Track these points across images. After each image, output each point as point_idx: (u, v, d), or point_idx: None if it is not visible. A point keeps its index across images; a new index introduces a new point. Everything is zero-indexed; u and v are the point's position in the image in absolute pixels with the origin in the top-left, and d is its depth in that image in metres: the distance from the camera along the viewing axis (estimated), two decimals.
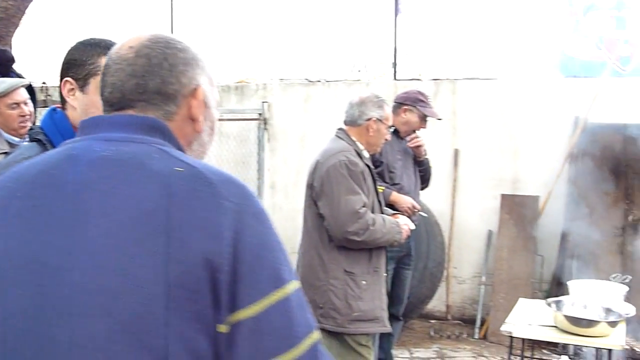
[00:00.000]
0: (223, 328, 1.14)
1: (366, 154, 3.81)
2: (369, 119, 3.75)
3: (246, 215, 1.18)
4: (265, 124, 7.32)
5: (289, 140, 7.27)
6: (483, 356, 5.72)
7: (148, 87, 1.32)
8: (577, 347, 5.20)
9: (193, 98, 1.36)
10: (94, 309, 1.14)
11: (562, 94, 6.26)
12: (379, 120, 3.76)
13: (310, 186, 3.72)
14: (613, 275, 4.15)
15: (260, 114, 7.30)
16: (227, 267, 1.13)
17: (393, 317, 4.40)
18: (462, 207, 6.65)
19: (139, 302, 1.12)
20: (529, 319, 3.76)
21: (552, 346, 5.54)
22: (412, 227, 3.88)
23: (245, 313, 1.14)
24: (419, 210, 4.74)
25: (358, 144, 3.76)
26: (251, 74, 7.90)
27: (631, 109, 6.03)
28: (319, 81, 7.31)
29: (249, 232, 1.17)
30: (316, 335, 1.22)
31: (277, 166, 7.32)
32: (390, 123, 3.86)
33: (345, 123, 3.83)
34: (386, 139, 3.87)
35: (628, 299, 4.01)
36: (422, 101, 4.78)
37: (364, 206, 3.53)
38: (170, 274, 1.12)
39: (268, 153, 7.35)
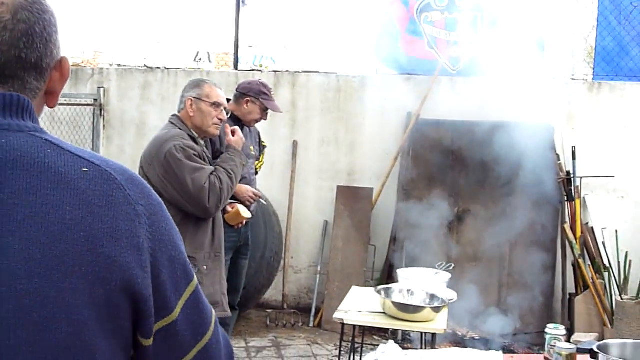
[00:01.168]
0: (147, 342, 1.09)
1: (202, 142, 3.78)
2: (186, 100, 3.74)
3: (155, 218, 1.10)
4: (101, 110, 7.05)
5: (126, 128, 7.06)
6: (317, 344, 5.85)
7: (28, 61, 1.09)
8: (405, 332, 5.45)
9: (57, 71, 1.15)
10: (17, 345, 0.96)
11: (396, 91, 6.51)
12: (197, 98, 3.72)
13: (144, 176, 3.63)
14: (438, 264, 4.38)
15: (95, 100, 7.02)
16: (149, 280, 1.05)
17: (229, 307, 4.39)
18: (299, 198, 6.75)
19: (67, 331, 0.98)
20: (360, 306, 3.88)
21: (383, 332, 5.77)
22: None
23: (168, 320, 1.10)
24: (260, 197, 4.75)
25: (193, 131, 3.72)
26: (86, 58, 7.58)
27: (459, 107, 6.38)
28: (158, 68, 7.14)
29: (161, 237, 1.09)
30: (214, 310, 1.24)
31: (113, 154, 7.08)
32: (212, 100, 3.76)
33: (178, 111, 3.81)
34: (220, 119, 3.81)
35: (451, 285, 4.25)
36: (265, 94, 4.77)
37: (210, 174, 3.59)
38: (97, 294, 0.99)
39: (103, 140, 7.09)
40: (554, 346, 2.68)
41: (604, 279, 5.88)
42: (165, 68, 7.13)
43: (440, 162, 6.25)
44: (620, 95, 6.38)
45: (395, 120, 6.54)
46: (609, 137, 6.35)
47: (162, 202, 1.15)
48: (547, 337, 2.86)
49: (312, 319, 6.40)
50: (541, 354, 3.01)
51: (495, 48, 6.51)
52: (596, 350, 2.38)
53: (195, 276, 1.18)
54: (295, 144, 6.74)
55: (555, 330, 2.87)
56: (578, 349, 2.51)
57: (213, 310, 1.23)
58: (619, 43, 6.57)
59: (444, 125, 6.35)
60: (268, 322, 6.32)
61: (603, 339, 5.63)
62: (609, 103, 6.39)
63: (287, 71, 6.95)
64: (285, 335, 6.07)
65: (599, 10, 6.62)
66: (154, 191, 1.14)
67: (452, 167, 6.25)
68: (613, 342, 2.51)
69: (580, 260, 5.94)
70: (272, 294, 6.68)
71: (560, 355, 2.56)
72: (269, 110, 4.85)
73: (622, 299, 5.64)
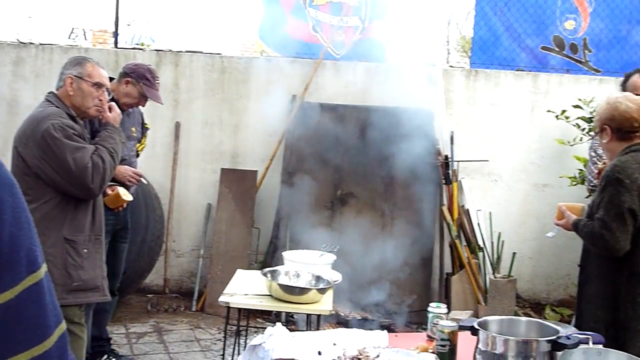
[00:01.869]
0: None
1: (81, 122, 3.63)
2: (66, 78, 3.57)
3: (1, 188, 1.01)
4: None
5: None
6: (200, 328, 5.79)
7: None
8: (289, 314, 5.49)
9: None
10: None
11: (281, 73, 6.50)
12: (78, 77, 3.56)
13: (18, 157, 3.45)
14: (323, 245, 4.41)
15: None
16: None
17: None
18: (182, 180, 6.63)
19: None
20: (245, 289, 3.86)
21: (267, 314, 5.78)
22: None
23: None
24: (141, 176, 4.61)
25: (71, 110, 3.56)
26: None
27: (343, 91, 6.46)
28: (32, 43, 6.79)
29: (4, 207, 1.00)
30: (64, 324, 1.11)
31: None
32: (94, 80, 3.59)
33: (56, 89, 3.63)
34: (100, 100, 3.66)
35: (335, 266, 4.30)
36: (148, 80, 4.59)
37: (92, 154, 3.47)
38: None
39: None
40: (437, 324, 2.76)
41: (478, 259, 6.14)
42: (40, 44, 6.79)
43: (323, 145, 6.31)
44: (495, 83, 6.65)
45: (279, 102, 6.52)
46: (484, 123, 6.61)
47: (15, 182, 1.05)
48: (430, 315, 2.95)
49: (194, 303, 6.32)
50: (422, 332, 3.10)
51: (379, 34, 6.62)
52: (477, 327, 2.47)
53: (43, 269, 1.08)
54: (177, 126, 6.61)
55: (437, 308, 2.97)
56: (460, 326, 2.59)
57: (64, 324, 1.11)
58: (493, 33, 6.84)
59: (327, 109, 6.41)
60: (149, 307, 6.19)
61: (477, 316, 5.89)
62: (485, 90, 6.65)
63: (169, 50, 6.79)
64: (167, 320, 5.97)
65: (476, 1, 6.85)
66: (6, 168, 1.05)
67: (336, 150, 6.32)
68: (492, 319, 2.61)
69: (457, 241, 6.17)
70: (153, 278, 6.54)
71: (443, 332, 2.65)
72: (149, 100, 4.66)
73: (495, 277, 5.91)
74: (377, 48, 6.62)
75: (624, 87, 4.78)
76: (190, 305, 6.31)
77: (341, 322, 5.40)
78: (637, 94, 4.53)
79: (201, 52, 6.78)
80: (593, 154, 4.60)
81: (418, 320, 5.89)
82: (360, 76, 6.50)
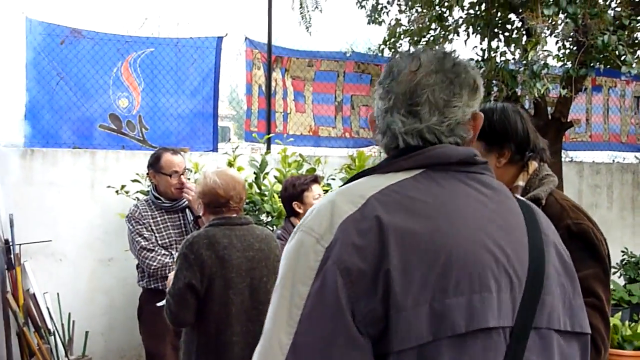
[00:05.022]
0: None
1: None
2: None
3: None
4: None
5: None
6: None
7: None
8: None
9: None
10: None
11: None
12: None
13: None
14: None
15: None
16: None
17: None
18: None
19: None
20: None
21: None
22: None
23: None
24: None
25: None
26: None
27: None
28: None
29: None
30: None
31: None
32: None
33: None
34: None
35: None
36: None
37: None
38: None
39: None
40: None
41: (49, 343, 5.92)
42: None
43: None
44: (52, 162, 6.55)
45: None
46: (44, 202, 6.45)
47: None
48: None
49: None
50: None
51: None
52: None
53: None
54: None
55: None
56: None
57: None
58: (48, 111, 6.77)
59: None
60: None
61: None
62: (43, 169, 6.51)
63: None
64: None
65: (27, 78, 6.71)
66: None
67: None
68: None
69: (25, 329, 5.86)
70: None
71: None
72: None
73: (69, 359, 5.76)
74: None
75: (157, 167, 5.04)
76: None
77: None
78: (175, 171, 4.96)
79: None
80: None
81: None
82: None
